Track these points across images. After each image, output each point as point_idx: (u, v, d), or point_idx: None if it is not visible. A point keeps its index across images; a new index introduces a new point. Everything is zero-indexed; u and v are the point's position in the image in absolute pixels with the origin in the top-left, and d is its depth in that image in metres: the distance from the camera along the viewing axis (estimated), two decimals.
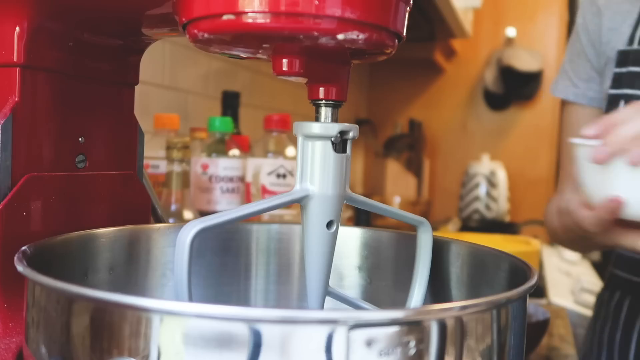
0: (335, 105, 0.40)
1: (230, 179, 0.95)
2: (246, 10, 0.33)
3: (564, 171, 0.92)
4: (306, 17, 0.33)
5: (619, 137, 0.55)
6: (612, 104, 0.83)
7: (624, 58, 0.82)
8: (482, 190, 2.45)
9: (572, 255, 1.97)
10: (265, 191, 1.00)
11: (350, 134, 0.39)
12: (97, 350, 0.31)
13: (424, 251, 0.47)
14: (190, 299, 0.35)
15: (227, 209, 0.49)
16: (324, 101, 0.39)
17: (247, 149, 1.06)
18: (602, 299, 0.95)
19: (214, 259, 0.54)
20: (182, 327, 0.29)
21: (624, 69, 0.82)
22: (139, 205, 0.57)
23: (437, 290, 0.50)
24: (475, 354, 0.32)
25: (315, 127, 0.38)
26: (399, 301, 0.51)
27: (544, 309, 0.97)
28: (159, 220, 0.63)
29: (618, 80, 0.82)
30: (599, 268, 1.96)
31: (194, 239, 0.34)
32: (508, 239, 1.71)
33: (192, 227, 0.35)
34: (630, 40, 0.83)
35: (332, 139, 0.38)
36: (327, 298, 0.43)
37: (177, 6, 0.37)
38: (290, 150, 1.04)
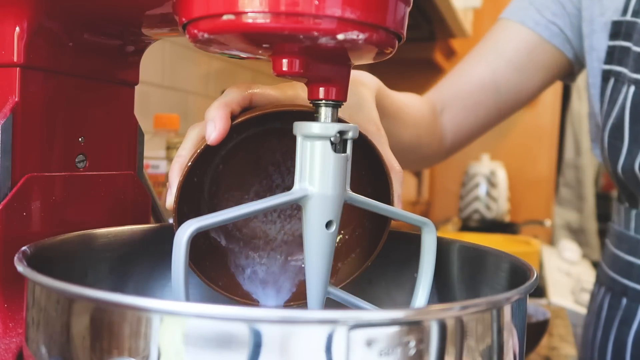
0: (335, 106, 0.40)
1: None
2: (246, 10, 0.33)
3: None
4: (306, 17, 0.33)
5: None
6: (605, 80, 0.75)
7: (617, 30, 0.74)
8: (482, 190, 2.45)
9: (572, 255, 1.97)
10: None
11: (350, 134, 0.39)
12: (97, 350, 0.31)
13: (428, 252, 0.47)
14: (187, 299, 0.35)
15: None
16: (323, 101, 0.39)
17: None
18: (592, 293, 0.90)
19: None
20: (182, 327, 0.29)
21: (616, 43, 0.74)
22: (139, 205, 0.57)
23: (438, 290, 0.50)
24: (475, 354, 0.32)
25: (314, 127, 0.38)
26: (399, 301, 0.51)
27: (544, 309, 0.97)
28: (159, 220, 0.63)
29: (610, 55, 0.74)
30: None
31: (191, 238, 0.34)
32: (508, 239, 1.71)
33: (189, 227, 0.35)
34: (624, 10, 0.74)
35: (332, 139, 0.38)
36: (327, 298, 0.43)
37: (177, 6, 0.37)
38: None
